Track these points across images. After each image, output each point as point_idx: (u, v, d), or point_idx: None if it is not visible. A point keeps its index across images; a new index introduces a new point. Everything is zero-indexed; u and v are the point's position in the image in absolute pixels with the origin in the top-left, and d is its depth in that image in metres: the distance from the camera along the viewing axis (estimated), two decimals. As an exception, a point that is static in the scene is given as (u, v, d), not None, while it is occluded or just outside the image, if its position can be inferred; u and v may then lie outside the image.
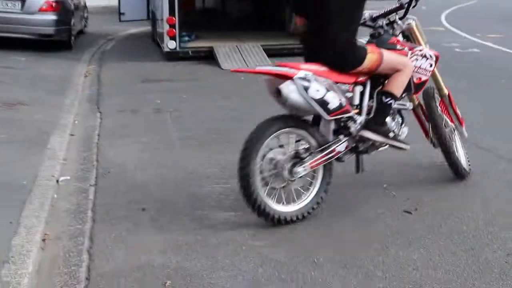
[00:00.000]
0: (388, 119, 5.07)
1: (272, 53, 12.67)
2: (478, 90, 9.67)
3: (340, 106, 4.70)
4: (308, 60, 4.85)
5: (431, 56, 5.26)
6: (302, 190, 4.83)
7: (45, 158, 6.11)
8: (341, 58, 4.75)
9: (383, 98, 4.95)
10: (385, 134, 5.02)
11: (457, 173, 5.64)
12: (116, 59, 13.20)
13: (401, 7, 5.18)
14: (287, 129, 4.67)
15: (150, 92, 9.60)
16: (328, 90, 4.62)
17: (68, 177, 5.78)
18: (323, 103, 4.59)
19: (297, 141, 4.77)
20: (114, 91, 9.75)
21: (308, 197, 4.80)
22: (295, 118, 4.77)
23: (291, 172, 4.64)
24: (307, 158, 4.70)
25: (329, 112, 4.65)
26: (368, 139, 4.96)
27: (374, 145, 5.09)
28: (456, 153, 5.65)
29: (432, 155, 6.28)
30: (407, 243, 4.37)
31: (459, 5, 28.22)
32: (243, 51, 12.58)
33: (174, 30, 12.44)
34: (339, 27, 4.72)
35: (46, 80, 10.34)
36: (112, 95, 9.48)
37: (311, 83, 4.54)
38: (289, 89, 4.49)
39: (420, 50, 5.24)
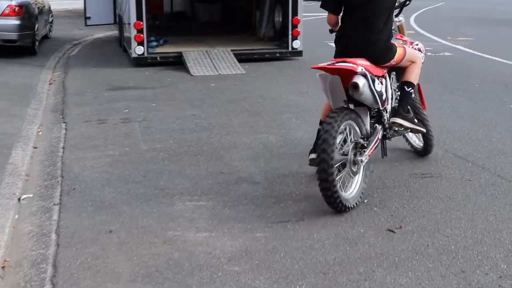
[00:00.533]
0: None
1: (242, 58, 12.43)
2: (453, 95, 9.50)
3: (385, 98, 5.22)
4: (342, 56, 5.11)
5: (423, 49, 5.93)
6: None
7: (6, 174, 5.76)
8: (383, 52, 5.20)
9: (405, 87, 5.48)
10: (412, 120, 5.54)
11: (429, 150, 6.23)
12: (82, 65, 12.80)
13: (399, 5, 5.68)
14: (348, 121, 4.92)
15: (118, 101, 9.25)
16: (381, 83, 5.09)
17: (31, 195, 5.45)
18: (380, 95, 5.06)
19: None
20: (80, 100, 9.38)
21: (356, 183, 5.10)
22: (349, 110, 5.02)
23: (354, 161, 4.98)
24: (367, 147, 5.06)
25: (382, 103, 5.13)
26: (400, 126, 5.43)
27: (397, 132, 5.61)
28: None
29: (413, 167, 6.07)
30: (394, 266, 4.12)
31: (427, 7, 28.26)
32: (212, 56, 12.26)
33: (141, 35, 12.08)
34: (383, 23, 5.16)
35: (9, 87, 9.93)
36: (78, 104, 9.12)
37: (374, 77, 4.97)
38: (363, 83, 4.85)
39: (417, 44, 5.89)
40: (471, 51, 14.55)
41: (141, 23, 12.02)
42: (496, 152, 6.55)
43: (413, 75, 5.46)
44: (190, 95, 9.61)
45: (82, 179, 5.81)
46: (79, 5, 21.81)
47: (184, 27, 17.11)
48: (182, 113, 8.39)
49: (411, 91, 5.47)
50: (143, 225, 4.79)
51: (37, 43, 14.23)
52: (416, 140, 6.30)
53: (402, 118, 5.39)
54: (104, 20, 17.00)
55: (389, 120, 5.39)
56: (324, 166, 4.65)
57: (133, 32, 12.07)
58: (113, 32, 18.15)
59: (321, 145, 4.69)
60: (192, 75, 11.29)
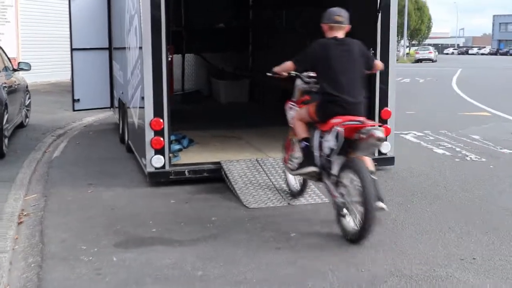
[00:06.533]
0: None
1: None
2: None
3: None
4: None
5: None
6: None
7: None
8: None
9: None
10: None
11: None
12: (70, 179, 8.65)
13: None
14: None
15: (137, 281, 5.06)
16: None
17: None
18: None
19: None
20: (68, 278, 5.18)
21: None
22: None
23: None
24: None
25: None
26: None
27: None
28: None
29: None
30: None
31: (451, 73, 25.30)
32: (268, 169, 8.12)
33: (162, 139, 7.94)
34: None
35: None
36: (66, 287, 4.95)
37: None
38: None
39: None
40: None
41: (161, 121, 7.92)
42: None
43: None
44: (265, 266, 5.35)
45: None
46: (66, 76, 18.09)
47: (203, 113, 13.16)
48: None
49: None
50: None
51: (6, 140, 10.14)
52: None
53: None
54: (97, 104, 13.16)
55: None
56: None
57: (149, 134, 7.94)
58: (108, 114, 14.19)
59: None
60: (247, 207, 7.13)
